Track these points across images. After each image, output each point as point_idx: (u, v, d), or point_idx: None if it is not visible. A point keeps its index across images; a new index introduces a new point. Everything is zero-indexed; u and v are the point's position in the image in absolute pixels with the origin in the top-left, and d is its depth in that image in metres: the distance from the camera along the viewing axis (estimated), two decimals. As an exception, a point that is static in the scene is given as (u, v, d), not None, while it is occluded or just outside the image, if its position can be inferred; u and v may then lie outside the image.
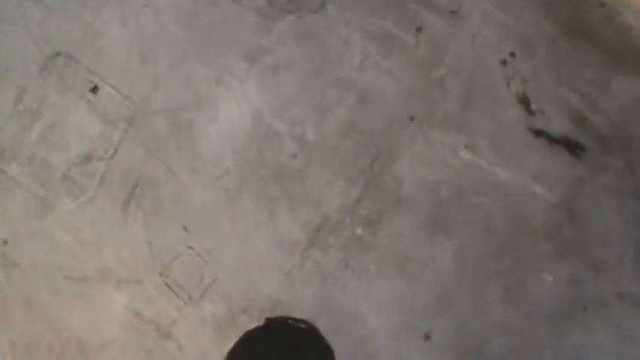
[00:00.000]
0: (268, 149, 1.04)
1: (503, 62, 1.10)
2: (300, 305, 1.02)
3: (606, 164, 1.06)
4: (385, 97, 1.07)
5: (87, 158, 1.03)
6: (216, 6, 1.08)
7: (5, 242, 1.05)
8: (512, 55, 1.10)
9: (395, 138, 1.06)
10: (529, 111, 1.09)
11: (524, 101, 1.09)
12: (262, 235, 1.02)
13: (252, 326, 1.01)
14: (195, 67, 1.05)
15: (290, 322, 0.98)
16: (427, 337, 1.04)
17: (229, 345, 0.98)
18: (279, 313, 1.02)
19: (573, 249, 1.07)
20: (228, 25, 1.07)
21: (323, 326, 1.01)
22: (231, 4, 1.08)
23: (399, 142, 1.06)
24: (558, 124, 1.09)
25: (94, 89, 1.05)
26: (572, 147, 1.10)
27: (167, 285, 1.03)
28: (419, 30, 1.09)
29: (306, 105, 1.05)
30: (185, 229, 1.01)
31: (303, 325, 0.98)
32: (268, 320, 1.00)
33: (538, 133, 1.09)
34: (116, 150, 1.03)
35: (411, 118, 1.06)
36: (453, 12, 1.10)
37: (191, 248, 1.02)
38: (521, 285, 1.03)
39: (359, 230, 1.03)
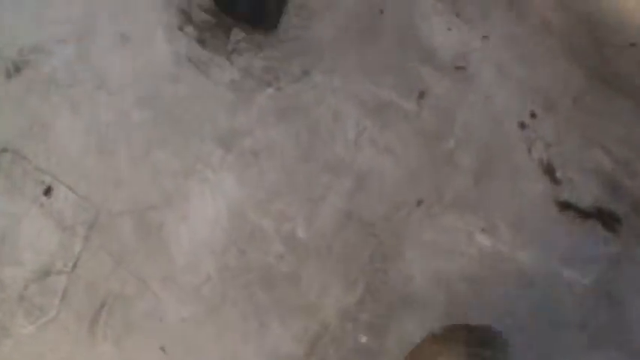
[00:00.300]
0: (253, 251, 0.89)
1: (522, 125, 0.94)
2: None
3: (646, 237, 0.91)
4: (386, 179, 0.91)
5: (45, 273, 0.89)
6: (180, 81, 0.92)
7: (-39, 372, 0.91)
8: (533, 115, 0.94)
9: (400, 226, 0.90)
10: (554, 180, 0.93)
11: (549, 170, 0.93)
12: (251, 351, 0.88)
13: None
14: (162, 157, 0.90)
15: None
16: None
17: None
18: None
19: (612, 336, 0.93)
20: (197, 103, 0.91)
21: None
22: (199, 78, 0.92)
23: (404, 230, 0.90)
24: (588, 193, 0.94)
25: (47, 191, 0.90)
26: (606, 219, 0.94)
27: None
28: (421, 95, 0.93)
29: (294, 196, 0.90)
30: (162, 349, 0.88)
31: None
32: None
33: (565, 206, 0.93)
34: (77, 261, 0.89)
35: (418, 202, 0.91)
36: (459, 68, 0.93)
37: (171, 372, 0.88)
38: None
39: (363, 338, 0.89)
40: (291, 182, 0.89)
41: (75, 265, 0.89)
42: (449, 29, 0.94)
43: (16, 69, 0.90)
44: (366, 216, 0.90)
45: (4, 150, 0.91)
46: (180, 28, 0.93)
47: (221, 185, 0.89)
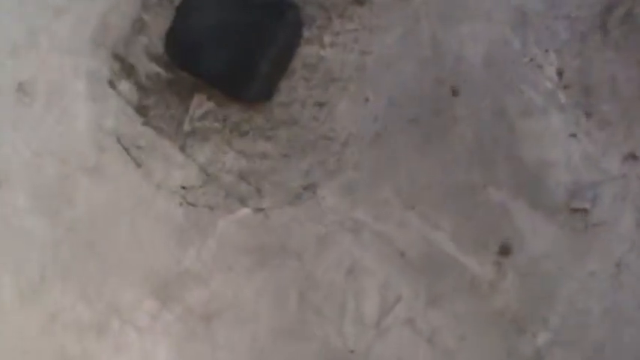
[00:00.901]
0: None
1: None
2: None
3: None
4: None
5: None
6: (99, 176, 0.56)
7: None
8: None
9: None
10: None
11: None
12: None
13: None
14: (62, 301, 0.55)
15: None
16: None
17: None
18: None
19: None
20: (124, 220, 0.55)
21: None
22: (130, 174, 0.55)
23: None
24: None
25: None
26: None
27: None
28: (503, 251, 0.53)
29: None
30: None
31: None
32: None
33: None
34: None
35: None
36: (577, 210, 0.52)
37: None
38: None
39: None
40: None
41: None
42: (572, 135, 0.52)
43: None
44: None
45: None
46: (112, 84, 0.55)
47: (148, 356, 0.54)
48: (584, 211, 0.52)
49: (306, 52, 0.54)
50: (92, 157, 0.55)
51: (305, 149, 0.54)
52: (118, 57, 0.56)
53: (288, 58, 0.54)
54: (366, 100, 0.54)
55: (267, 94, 0.54)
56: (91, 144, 0.55)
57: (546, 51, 0.55)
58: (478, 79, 0.55)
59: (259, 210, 0.54)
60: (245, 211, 0.54)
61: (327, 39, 0.55)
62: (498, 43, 0.55)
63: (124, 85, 0.55)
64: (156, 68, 0.55)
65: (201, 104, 0.54)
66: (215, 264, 0.54)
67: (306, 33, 0.54)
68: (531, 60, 0.55)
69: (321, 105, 0.54)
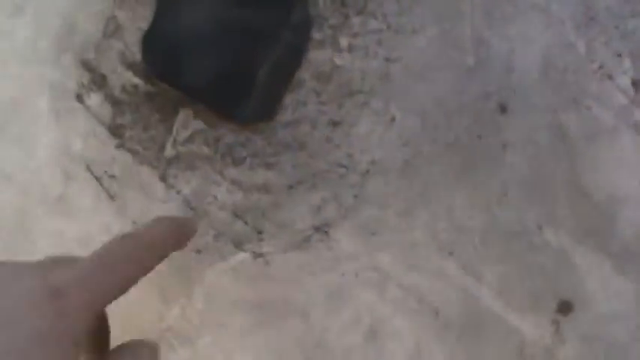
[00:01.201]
0: None
1: None
2: None
3: None
4: None
5: None
6: (63, 213, 0.45)
7: None
8: None
9: None
10: None
11: None
12: None
13: None
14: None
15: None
16: None
17: None
18: None
19: None
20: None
21: None
22: (102, 209, 0.45)
23: None
24: None
25: None
26: None
27: None
28: (564, 311, 0.42)
29: None
30: None
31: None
32: None
33: None
34: None
35: None
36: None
37: None
38: None
39: None
40: None
41: None
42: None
43: None
44: None
45: None
46: (80, 99, 0.45)
47: None
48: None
49: (317, 58, 0.44)
50: (56, 187, 0.45)
51: (315, 180, 0.43)
52: (86, 65, 0.45)
53: (294, 67, 0.43)
54: (392, 119, 0.43)
55: (267, 112, 0.43)
56: (54, 172, 0.45)
57: (619, 56, 0.44)
58: (533, 93, 0.43)
59: (258, 255, 0.43)
60: (241, 257, 0.43)
61: (343, 42, 0.44)
62: (558, 46, 0.44)
63: (95, 100, 0.45)
64: (133, 79, 0.45)
65: (187, 123, 0.44)
66: (203, 321, 0.44)
67: (316, 35, 0.44)
68: (600, 67, 0.44)
69: (335, 124, 0.43)
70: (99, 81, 0.45)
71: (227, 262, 0.44)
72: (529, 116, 0.43)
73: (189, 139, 0.44)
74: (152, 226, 0.31)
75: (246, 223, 0.43)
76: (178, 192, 0.44)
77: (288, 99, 0.44)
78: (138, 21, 0.45)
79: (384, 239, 0.43)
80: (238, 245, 0.43)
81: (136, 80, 0.45)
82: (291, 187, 0.43)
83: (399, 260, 0.43)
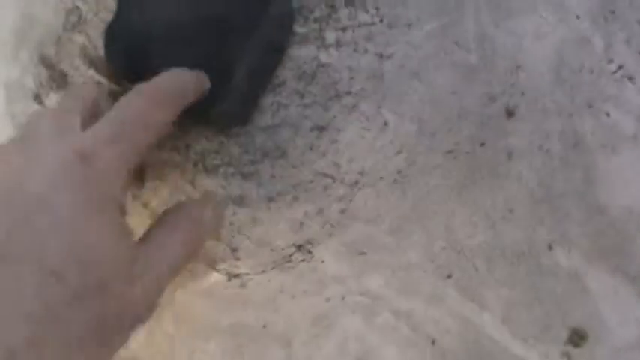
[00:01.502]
0: None
1: None
2: None
3: None
4: None
5: None
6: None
7: None
8: None
9: None
10: None
11: None
12: None
13: None
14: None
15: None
16: None
17: None
18: None
19: None
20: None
21: None
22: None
23: None
24: None
25: None
26: None
27: None
28: (576, 341, 0.37)
29: None
30: None
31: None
32: None
33: None
34: None
35: None
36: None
37: None
38: None
39: None
40: None
41: None
42: None
43: None
44: None
45: None
46: (39, 99, 0.41)
47: None
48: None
49: (300, 55, 0.39)
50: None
51: (297, 192, 0.38)
52: (45, 62, 0.41)
53: (274, 65, 0.38)
54: (385, 124, 0.39)
55: (243, 116, 0.38)
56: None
57: (640, 54, 0.39)
58: (543, 96, 0.39)
59: (234, 276, 0.39)
60: (214, 277, 0.39)
61: (329, 37, 0.39)
62: (573, 43, 0.39)
63: (54, 100, 0.41)
64: (96, 76, 0.40)
65: (155, 127, 0.39)
66: (172, 348, 0.39)
67: (299, 29, 0.39)
68: (619, 68, 0.39)
69: (320, 130, 0.38)
70: (59, 79, 0.41)
71: (199, 283, 0.39)
72: (539, 122, 0.39)
73: (157, 145, 0.39)
74: (156, 81, 0.31)
75: (219, 239, 0.39)
76: (145, 204, 0.39)
77: (268, 101, 0.39)
78: (102, 12, 0.40)
79: (374, 259, 0.38)
80: (211, 265, 0.39)
81: (100, 78, 0.40)
82: (270, 199, 0.39)
83: (391, 283, 0.38)
